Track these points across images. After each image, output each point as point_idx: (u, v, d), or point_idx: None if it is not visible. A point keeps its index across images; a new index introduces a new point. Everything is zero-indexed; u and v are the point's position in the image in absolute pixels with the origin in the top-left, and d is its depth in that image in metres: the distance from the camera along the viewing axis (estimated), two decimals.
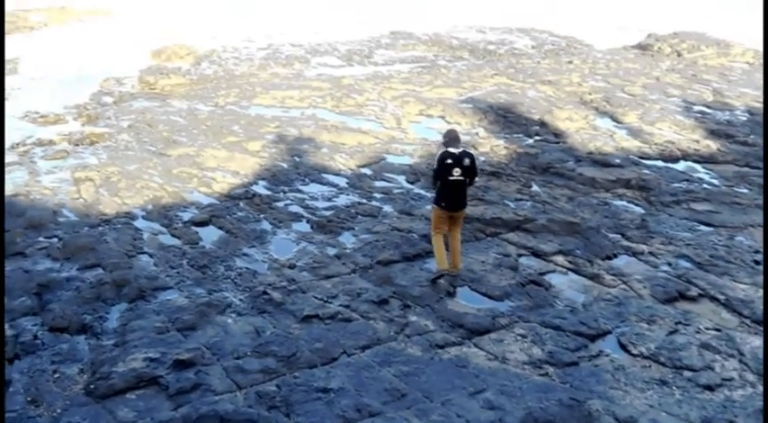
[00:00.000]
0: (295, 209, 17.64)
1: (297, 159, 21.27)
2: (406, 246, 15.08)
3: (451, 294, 13.34)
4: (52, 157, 21.44)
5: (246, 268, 14.31)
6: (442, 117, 26.20)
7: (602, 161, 21.19)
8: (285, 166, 20.75)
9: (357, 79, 32.11)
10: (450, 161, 13.13)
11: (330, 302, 12.88)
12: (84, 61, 37.05)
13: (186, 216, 17.14)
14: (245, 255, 15.01)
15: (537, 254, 15.11)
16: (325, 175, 20.16)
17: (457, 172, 13.15)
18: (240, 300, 12.96)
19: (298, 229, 16.49)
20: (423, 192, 18.72)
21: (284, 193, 18.76)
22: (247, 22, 49.66)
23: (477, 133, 24.20)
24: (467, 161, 13.28)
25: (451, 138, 13.50)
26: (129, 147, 22.45)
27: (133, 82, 32.21)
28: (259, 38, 44.58)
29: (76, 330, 11.97)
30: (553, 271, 14.35)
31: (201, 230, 16.31)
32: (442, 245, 13.84)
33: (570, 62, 36.32)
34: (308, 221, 16.89)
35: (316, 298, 13.01)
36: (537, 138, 23.73)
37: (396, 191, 18.97)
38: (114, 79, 32.66)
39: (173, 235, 16.08)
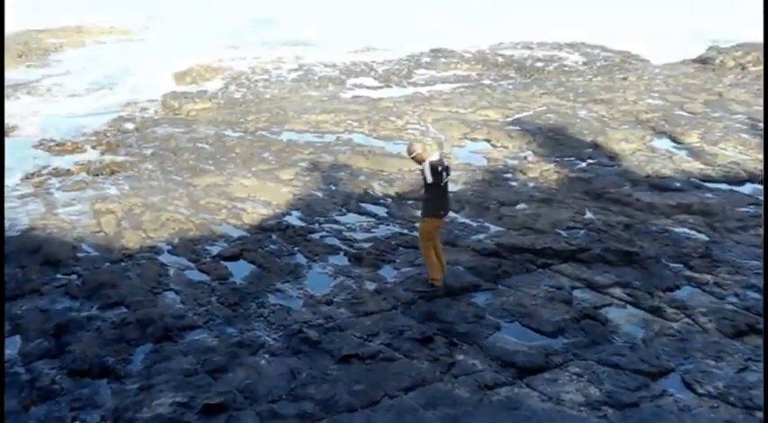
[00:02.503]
0: (331, 241, 17.68)
1: (332, 188, 21.35)
2: (451, 279, 15.00)
3: (500, 330, 13.34)
4: (70, 188, 21.65)
5: (280, 305, 14.31)
6: (488, 140, 26.22)
7: (660, 185, 21.08)
8: (320, 195, 20.83)
9: (395, 101, 32.23)
10: (440, 168, 13.96)
11: (370, 341, 12.87)
12: (103, 85, 37.44)
13: (215, 250, 17.22)
14: (278, 291, 15.02)
15: (592, 286, 15.01)
16: (362, 205, 20.23)
17: (445, 176, 14.14)
18: (274, 339, 12.98)
19: (334, 262, 16.50)
20: (468, 221, 18.69)
21: (319, 224, 18.82)
22: (276, 41, 49.92)
23: (525, 157, 24.19)
24: (446, 163, 14.46)
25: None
26: (153, 176, 22.65)
27: (156, 107, 32.53)
28: (290, 58, 44.84)
29: (98, 374, 12.01)
30: (610, 304, 14.23)
31: (231, 265, 16.36)
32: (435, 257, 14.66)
33: (624, 79, 36.25)
34: (345, 254, 16.91)
35: (355, 336, 13.00)
36: (590, 161, 23.67)
37: None
38: (135, 104, 33.00)
39: (200, 270, 16.14)
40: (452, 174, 21.13)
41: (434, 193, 14.08)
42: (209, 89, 36.36)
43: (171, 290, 15.11)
